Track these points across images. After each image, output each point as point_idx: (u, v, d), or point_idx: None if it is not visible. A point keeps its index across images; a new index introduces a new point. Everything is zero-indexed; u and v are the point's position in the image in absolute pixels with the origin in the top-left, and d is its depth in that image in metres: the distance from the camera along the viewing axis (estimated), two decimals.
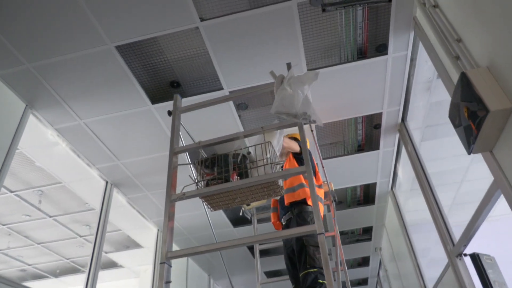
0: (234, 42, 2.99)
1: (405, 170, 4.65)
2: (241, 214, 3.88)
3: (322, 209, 2.86)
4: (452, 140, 4.40)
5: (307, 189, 2.81)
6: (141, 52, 3.06)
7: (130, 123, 3.63)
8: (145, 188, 4.61)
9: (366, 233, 6.66)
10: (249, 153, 2.14)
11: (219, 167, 2.17)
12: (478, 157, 2.16)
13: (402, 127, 3.88)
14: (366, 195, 5.48)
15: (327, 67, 3.25)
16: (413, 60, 3.22)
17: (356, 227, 6.47)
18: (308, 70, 3.24)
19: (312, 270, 2.60)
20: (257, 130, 2.18)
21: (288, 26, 2.90)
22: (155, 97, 3.45)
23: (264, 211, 4.34)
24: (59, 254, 6.47)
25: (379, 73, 3.33)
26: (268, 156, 2.12)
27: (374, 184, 5.10)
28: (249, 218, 4.01)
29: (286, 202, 2.97)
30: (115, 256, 6.68)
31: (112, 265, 6.93)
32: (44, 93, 3.21)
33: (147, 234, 5.72)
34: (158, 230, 5.58)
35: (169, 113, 2.50)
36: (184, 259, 6.43)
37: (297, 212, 2.87)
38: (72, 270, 7.08)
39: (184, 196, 2.04)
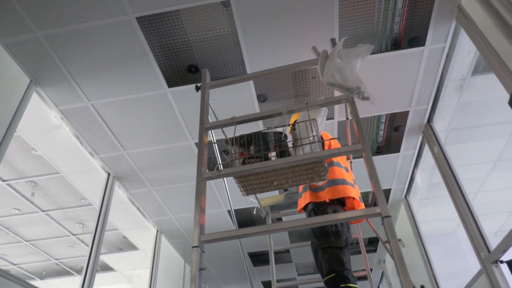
0: (267, 23, 2.77)
1: (424, 176, 4.45)
2: (254, 212, 3.61)
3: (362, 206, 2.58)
4: (475, 146, 4.25)
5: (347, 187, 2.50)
6: (163, 27, 2.82)
7: (142, 108, 3.36)
8: (149, 184, 4.31)
9: (371, 244, 6.41)
10: (294, 129, 1.90)
11: (257, 145, 1.92)
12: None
13: (428, 129, 3.69)
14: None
15: None
16: (449, 53, 3.05)
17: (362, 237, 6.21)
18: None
19: (329, 276, 2.28)
20: (301, 106, 1.95)
21: (326, 10, 2.71)
22: (171, 81, 3.20)
23: (278, 210, 4.05)
24: (47, 254, 6.06)
25: (412, 67, 3.15)
26: (314, 134, 1.89)
27: (388, 191, 4.88)
28: (263, 217, 3.74)
29: (300, 206, 2.70)
30: (106, 258, 6.30)
31: (103, 268, 6.53)
32: (52, 68, 2.94)
33: (145, 235, 5.38)
34: (157, 231, 5.25)
35: (197, 88, 2.27)
36: (181, 265, 6.08)
37: (314, 211, 2.59)
38: (59, 272, 6.65)
39: (219, 174, 1.77)
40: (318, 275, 2.37)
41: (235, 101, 3.39)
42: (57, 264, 6.31)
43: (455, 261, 4.75)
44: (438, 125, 3.68)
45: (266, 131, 1.99)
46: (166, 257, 5.43)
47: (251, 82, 3.24)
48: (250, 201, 4.71)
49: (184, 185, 4.36)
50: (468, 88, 3.32)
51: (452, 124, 3.70)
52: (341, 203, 2.43)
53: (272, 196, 3.54)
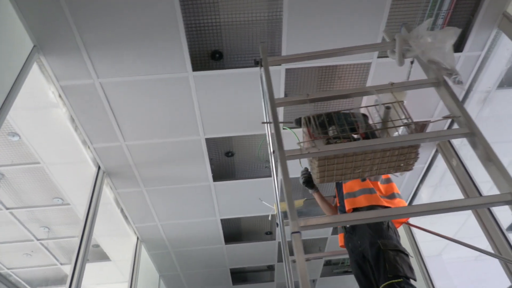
0: (314, 8, 2.59)
1: (427, 193, 4.41)
2: (270, 218, 3.30)
3: None
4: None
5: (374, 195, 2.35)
6: (200, 3, 2.54)
7: (157, 92, 2.99)
8: (143, 183, 3.86)
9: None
10: (388, 108, 1.68)
11: (339, 125, 1.68)
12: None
13: (446, 141, 3.65)
14: None
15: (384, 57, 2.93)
16: (483, 63, 3.04)
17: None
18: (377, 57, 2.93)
19: (395, 280, 2.09)
20: (386, 86, 1.75)
21: (378, 5, 2.58)
22: (196, 64, 2.89)
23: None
24: None
25: None
26: (403, 117, 1.69)
27: None
28: (277, 225, 3.43)
29: (348, 208, 2.48)
30: (67, 269, 5.54)
31: (61, 281, 5.75)
32: (63, 32, 2.52)
33: (122, 244, 4.81)
34: (138, 238, 4.71)
35: (256, 62, 2.00)
36: (156, 281, 5.51)
37: None
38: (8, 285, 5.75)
39: (307, 153, 1.50)
40: None
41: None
42: (9, 275, 5.46)
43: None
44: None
45: (347, 111, 1.76)
46: (141, 270, 4.88)
47: (282, 76, 3.00)
48: (260, 209, 4.38)
49: (182, 187, 3.95)
50: (491, 102, 3.33)
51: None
52: None
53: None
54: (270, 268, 6.10)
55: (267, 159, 4.00)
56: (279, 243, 5.20)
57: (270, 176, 4.09)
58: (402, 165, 1.71)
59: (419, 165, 4.08)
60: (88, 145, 3.36)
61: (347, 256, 2.59)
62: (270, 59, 1.99)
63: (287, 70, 2.95)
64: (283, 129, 3.50)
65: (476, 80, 3.17)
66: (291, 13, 2.59)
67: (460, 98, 3.30)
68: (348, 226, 2.54)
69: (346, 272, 6.43)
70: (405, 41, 1.93)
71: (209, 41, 2.85)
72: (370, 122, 1.76)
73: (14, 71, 2.39)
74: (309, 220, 1.36)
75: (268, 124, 2.05)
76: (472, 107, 3.42)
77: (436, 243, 5.33)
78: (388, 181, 2.50)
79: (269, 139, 2.09)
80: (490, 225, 3.13)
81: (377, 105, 1.73)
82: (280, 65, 2.86)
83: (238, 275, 6.15)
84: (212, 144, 3.61)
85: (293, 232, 1.30)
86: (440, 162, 3.91)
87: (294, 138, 2.39)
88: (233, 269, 5.75)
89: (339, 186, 2.59)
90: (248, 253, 5.32)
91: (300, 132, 1.89)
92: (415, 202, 4.62)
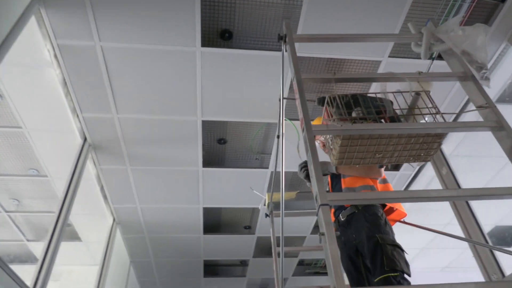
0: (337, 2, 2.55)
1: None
2: (260, 207, 3.22)
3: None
4: (476, 175, 4.36)
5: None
6: None
7: (160, 64, 2.86)
8: (129, 161, 3.69)
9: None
10: (418, 94, 1.66)
11: (365, 108, 1.64)
12: None
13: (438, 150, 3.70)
14: None
15: (406, 58, 2.95)
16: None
17: (322, 257, 6.06)
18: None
19: (392, 274, 2.08)
20: (414, 74, 1.73)
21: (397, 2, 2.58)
22: (205, 40, 2.79)
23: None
24: None
25: (450, 83, 3.14)
26: (430, 106, 1.67)
27: None
28: (267, 215, 3.34)
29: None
30: (33, 246, 5.24)
31: (26, 258, 5.43)
32: None
33: (97, 225, 4.59)
34: (114, 220, 4.51)
35: (280, 37, 1.93)
36: (126, 266, 5.30)
37: (364, 205, 2.38)
38: None
39: (331, 129, 1.45)
40: None
41: (264, 81, 3.06)
42: None
43: None
44: (445, 147, 3.73)
45: (372, 95, 1.73)
46: (113, 254, 4.67)
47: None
48: (244, 201, 4.30)
49: (170, 169, 3.81)
50: None
51: (457, 150, 3.77)
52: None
53: (285, 192, 3.19)
54: (243, 263, 6.02)
55: (259, 151, 3.94)
56: (257, 238, 5.13)
57: (259, 167, 4.02)
58: (422, 154, 1.69)
59: (407, 172, 4.13)
60: (77, 113, 3.18)
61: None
62: (295, 36, 1.93)
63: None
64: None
65: None
66: (312, 1, 2.54)
67: (458, 109, 3.37)
68: (342, 219, 2.50)
69: (317, 273, 6.45)
70: (432, 35, 1.93)
71: (221, 19, 2.76)
72: (395, 108, 1.74)
73: (8, 22, 2.20)
74: (337, 195, 1.31)
75: (282, 102, 1.98)
76: (468, 119, 3.48)
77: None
78: (385, 181, 2.49)
79: (281, 118, 2.02)
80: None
81: (405, 92, 1.70)
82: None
83: (211, 267, 6.03)
84: (207, 127, 3.50)
85: (322, 204, 1.24)
86: (428, 170, 3.98)
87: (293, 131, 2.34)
88: (207, 261, 5.63)
89: (335, 181, 2.56)
90: (225, 246, 5.22)
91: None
92: None
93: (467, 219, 3.27)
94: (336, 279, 1.07)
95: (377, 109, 1.65)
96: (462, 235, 3.31)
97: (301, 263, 6.16)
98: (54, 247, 2.91)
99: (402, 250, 2.11)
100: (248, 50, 2.85)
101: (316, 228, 5.11)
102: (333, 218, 2.60)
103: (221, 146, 3.86)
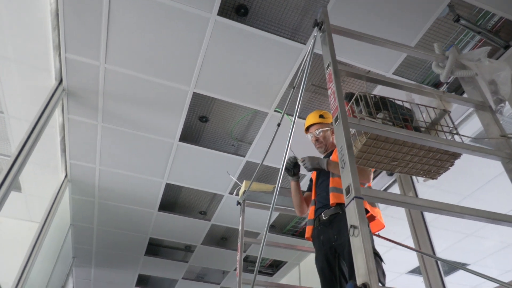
0: (362, 4, 2.53)
1: None
2: (234, 194, 3.12)
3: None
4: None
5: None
6: None
7: (167, 22, 2.67)
8: (102, 116, 3.42)
9: (274, 267, 6.31)
10: (445, 111, 1.67)
11: (393, 113, 1.63)
12: None
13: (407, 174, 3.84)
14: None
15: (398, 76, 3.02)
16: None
17: (268, 257, 6.08)
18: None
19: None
20: (439, 92, 1.75)
21: (426, 13, 2.62)
22: (221, 9, 2.65)
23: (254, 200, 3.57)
24: None
25: None
26: (451, 126, 1.69)
27: None
28: (239, 203, 3.24)
29: (332, 201, 2.44)
30: None
31: None
32: None
33: (44, 178, 4.22)
34: (65, 177, 4.17)
35: (316, 23, 1.86)
36: (65, 228, 4.94)
37: None
38: None
39: (365, 125, 1.41)
40: None
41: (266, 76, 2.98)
42: None
43: None
44: None
45: (399, 102, 1.72)
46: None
47: (300, 56, 2.89)
48: (208, 185, 4.15)
49: (144, 136, 3.59)
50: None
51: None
52: None
53: (262, 184, 3.13)
54: (188, 248, 5.87)
55: (238, 138, 3.84)
56: (212, 225, 5.02)
57: (234, 154, 3.92)
58: (432, 171, 1.70)
59: (377, 187, 4.24)
60: (60, 52, 2.88)
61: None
62: (336, 27, 1.88)
63: None
64: (275, 110, 3.39)
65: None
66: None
67: None
68: (324, 218, 2.46)
69: (260, 272, 6.46)
70: (456, 60, 1.97)
71: None
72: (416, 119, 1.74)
73: None
74: (371, 191, 1.27)
75: (302, 89, 1.92)
76: None
77: None
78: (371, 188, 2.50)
79: (298, 105, 1.95)
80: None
81: (430, 107, 1.71)
82: (305, 44, 2.77)
83: (153, 247, 5.80)
84: (193, 101, 3.34)
85: (356, 197, 1.19)
86: (394, 191, 4.12)
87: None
88: (152, 239, 5.41)
89: (321, 179, 2.51)
90: (176, 227, 5.05)
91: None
92: None
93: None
94: (370, 274, 1.03)
95: (403, 117, 1.64)
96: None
97: (245, 259, 6.13)
98: (5, 193, 2.60)
99: (381, 260, 2.13)
100: (261, 31, 2.75)
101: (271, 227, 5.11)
102: (312, 216, 2.56)
103: (201, 124, 3.71)
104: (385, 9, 2.58)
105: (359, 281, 1.06)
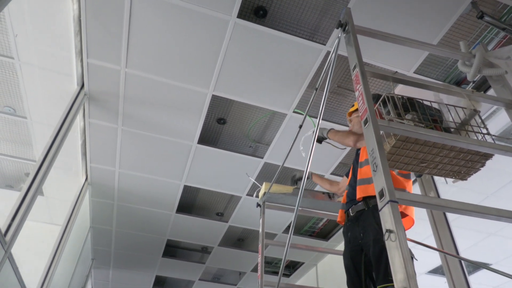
0: (382, 5, 2.51)
1: None
2: (254, 196, 3.12)
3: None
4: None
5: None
6: None
7: (188, 24, 2.68)
8: (122, 120, 3.46)
9: (290, 268, 6.29)
10: (476, 111, 1.64)
11: (422, 114, 1.61)
12: None
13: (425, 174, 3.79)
14: (325, 230, 5.19)
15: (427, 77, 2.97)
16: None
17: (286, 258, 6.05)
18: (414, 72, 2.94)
19: (389, 284, 2.06)
20: (468, 91, 1.72)
21: (448, 10, 2.58)
22: (240, 12, 2.66)
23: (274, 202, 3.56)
24: None
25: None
26: (482, 126, 1.66)
27: None
28: (259, 205, 3.24)
29: (358, 196, 2.41)
30: None
31: None
32: None
33: (66, 181, 4.30)
34: (86, 180, 4.23)
35: (340, 24, 1.85)
36: (85, 231, 5.01)
37: (374, 203, 2.33)
38: None
39: (395, 127, 1.40)
40: None
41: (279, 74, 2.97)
42: None
43: None
44: None
45: (427, 103, 1.69)
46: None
47: (321, 56, 2.88)
48: (227, 187, 4.16)
49: (163, 138, 3.62)
50: None
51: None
52: None
53: (282, 185, 3.12)
54: (204, 250, 5.90)
55: (255, 139, 3.84)
56: (229, 226, 5.03)
57: (252, 155, 3.93)
58: (462, 172, 1.68)
59: None
60: (82, 57, 2.92)
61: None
62: (361, 27, 1.86)
63: None
64: (294, 111, 3.38)
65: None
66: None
67: None
68: (352, 214, 2.43)
69: (275, 273, 6.45)
70: (484, 58, 1.94)
71: None
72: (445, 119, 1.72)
73: None
74: (407, 194, 1.25)
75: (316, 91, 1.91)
76: None
77: None
78: (408, 176, 2.41)
79: (322, 107, 1.94)
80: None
81: (459, 107, 1.68)
82: (325, 44, 2.76)
83: (171, 248, 5.85)
84: (212, 103, 3.35)
85: (391, 201, 1.18)
86: (415, 190, 4.06)
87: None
88: (170, 240, 5.45)
89: (353, 171, 2.49)
90: (194, 229, 5.08)
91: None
92: None
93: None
94: (409, 280, 1.01)
95: (432, 117, 1.62)
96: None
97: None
98: (30, 200, 2.65)
99: (415, 259, 2.09)
100: (280, 32, 2.75)
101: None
102: (344, 199, 2.53)
103: (219, 126, 3.72)
104: (406, 7, 2.55)
105: (397, 286, 1.05)
